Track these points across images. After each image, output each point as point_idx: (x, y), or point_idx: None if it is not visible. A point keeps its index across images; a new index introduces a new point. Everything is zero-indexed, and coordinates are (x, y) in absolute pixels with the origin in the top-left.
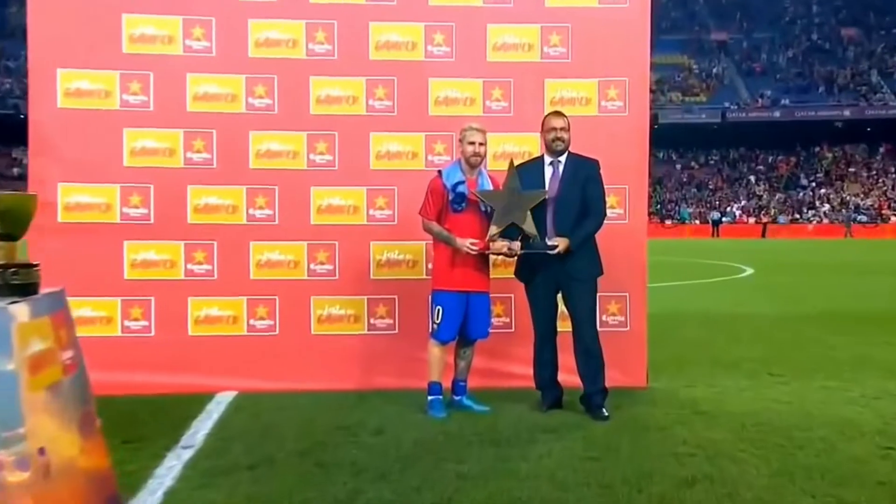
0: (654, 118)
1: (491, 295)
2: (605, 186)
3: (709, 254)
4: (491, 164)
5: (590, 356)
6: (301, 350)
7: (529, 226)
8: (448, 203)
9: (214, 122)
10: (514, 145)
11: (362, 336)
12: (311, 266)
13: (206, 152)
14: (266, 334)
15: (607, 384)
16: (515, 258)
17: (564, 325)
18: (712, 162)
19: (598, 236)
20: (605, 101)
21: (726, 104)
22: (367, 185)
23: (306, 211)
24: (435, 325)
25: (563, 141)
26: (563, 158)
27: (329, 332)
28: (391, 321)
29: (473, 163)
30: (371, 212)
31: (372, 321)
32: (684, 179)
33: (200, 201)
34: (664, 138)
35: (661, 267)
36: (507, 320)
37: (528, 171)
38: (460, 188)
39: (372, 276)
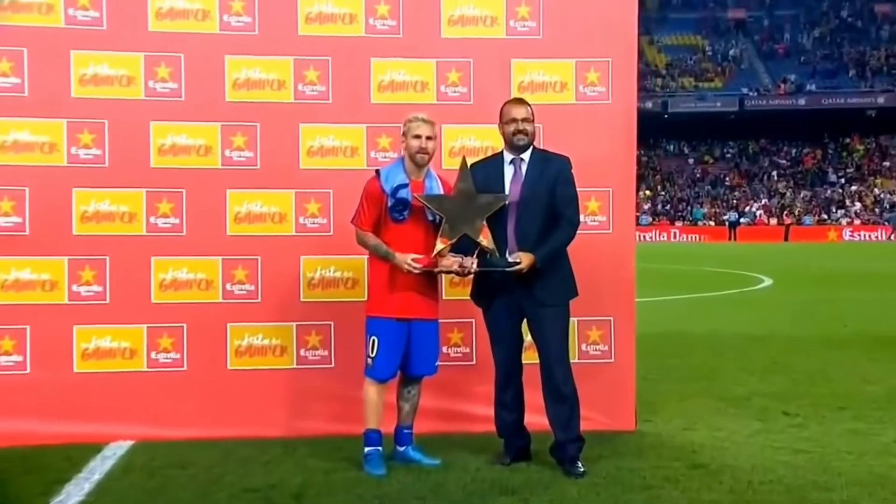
0: (663, 106)
1: (445, 321)
2: (585, 189)
3: (722, 261)
4: (446, 162)
5: (561, 399)
6: (214, 389)
7: (486, 238)
8: (387, 210)
9: (106, 110)
10: (474, 139)
11: (290, 371)
12: (227, 286)
13: (96, 147)
14: (171, 370)
15: (586, 428)
16: (470, 277)
17: (533, 357)
18: (729, 155)
19: (574, 249)
20: (584, 87)
21: (744, 90)
22: (295, 188)
23: (221, 219)
24: (370, 360)
25: (527, 134)
26: (526, 155)
27: (249, 367)
28: (325, 353)
29: (419, 161)
30: (301, 220)
31: (302, 353)
32: (697, 175)
33: (89, 207)
34: (674, 129)
35: (665, 277)
36: (467, 350)
37: (483, 171)
38: (402, 192)
39: (302, 299)
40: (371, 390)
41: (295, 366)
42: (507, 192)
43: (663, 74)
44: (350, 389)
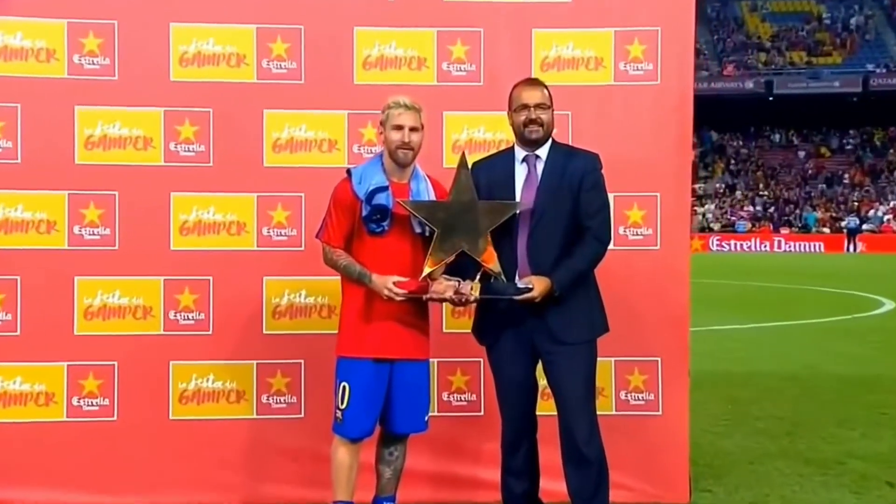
0: (767, 87)
1: (446, 360)
2: (625, 194)
3: (834, 277)
4: (448, 159)
5: (583, 463)
6: (153, 444)
7: (489, 258)
8: (361, 220)
9: (18, 93)
10: (484, 130)
11: (249, 422)
12: (171, 314)
13: (6, 138)
14: (98, 420)
15: (624, 500)
16: (472, 307)
17: (551, 407)
18: (849, 147)
19: (607, 270)
20: (626, 64)
21: (870, 67)
22: (258, 191)
23: (163, 229)
24: (339, 413)
25: (542, 125)
26: (542, 152)
27: (197, 417)
28: (293, 399)
29: (401, 159)
30: (265, 231)
31: (264, 399)
32: (809, 172)
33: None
34: (781, 115)
35: (753, 298)
36: (473, 398)
37: (488, 172)
38: (380, 197)
39: (265, 331)
40: (341, 452)
41: (255, 415)
42: (518, 198)
43: (767, 48)
44: (323, 445)
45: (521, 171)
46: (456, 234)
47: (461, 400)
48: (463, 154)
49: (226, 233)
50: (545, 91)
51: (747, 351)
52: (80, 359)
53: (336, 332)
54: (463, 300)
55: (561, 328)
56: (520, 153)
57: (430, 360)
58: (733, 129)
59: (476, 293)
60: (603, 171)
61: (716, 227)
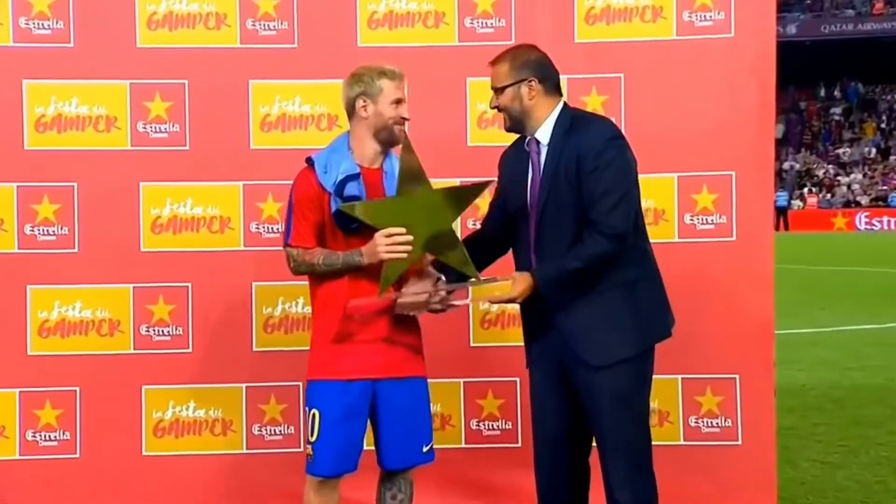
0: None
1: (474, 380)
2: (690, 174)
3: None
4: (474, 136)
5: None
6: (123, 485)
7: (457, 256)
8: (332, 217)
9: None
10: (300, 102)
11: (237, 458)
12: (143, 329)
13: None
14: (56, 457)
15: None
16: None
17: None
18: None
19: (670, 269)
20: (691, 13)
21: None
22: (244, 179)
23: (132, 227)
24: (308, 448)
25: (502, 109)
26: (542, 133)
27: (175, 452)
28: (291, 430)
29: (398, 137)
30: (253, 227)
31: (256, 430)
32: None
33: None
34: None
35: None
36: (508, 426)
37: (513, 162)
38: (352, 188)
39: (255, 347)
40: (311, 497)
41: (244, 450)
42: (528, 187)
43: None
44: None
45: (531, 159)
46: (417, 234)
47: (493, 428)
48: (404, 134)
49: (206, 230)
50: (501, 67)
51: (886, 359)
52: (35, 384)
53: None
54: (443, 307)
55: (585, 345)
56: (527, 138)
57: (457, 380)
58: (886, 79)
59: (448, 297)
60: (617, 141)
61: (864, 201)
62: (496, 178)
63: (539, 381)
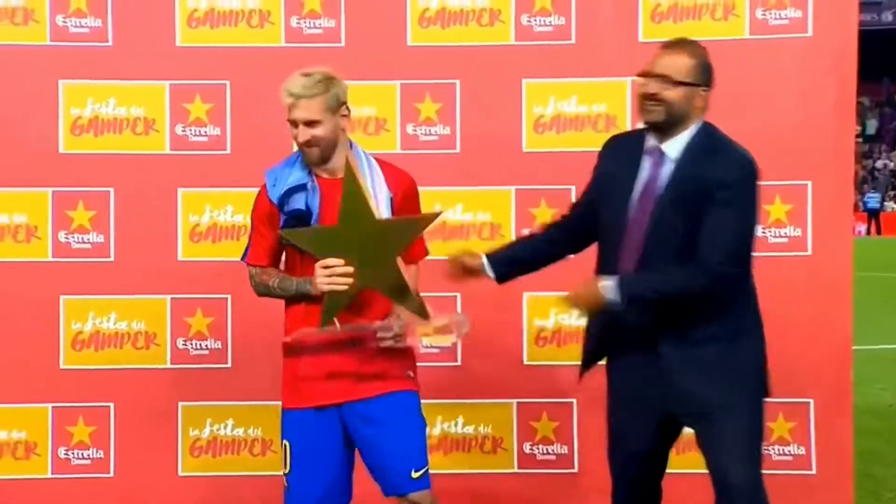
0: None
1: (527, 401)
2: (765, 184)
3: None
4: (530, 142)
5: None
6: None
7: (399, 293)
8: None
9: None
10: (575, 103)
11: (278, 479)
12: (179, 343)
13: None
14: (89, 476)
15: None
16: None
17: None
18: None
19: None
20: (765, 11)
21: None
22: None
23: (170, 235)
24: (284, 480)
25: (661, 101)
26: (672, 147)
27: (214, 473)
28: None
29: (309, 159)
30: None
31: None
32: None
33: None
34: None
35: None
36: (564, 451)
37: (616, 157)
38: (296, 200)
39: None
40: None
41: (289, 469)
42: (630, 203)
43: None
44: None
45: (645, 166)
46: (357, 266)
47: (548, 453)
48: (346, 159)
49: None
50: (686, 60)
51: None
52: (68, 399)
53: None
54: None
55: (697, 383)
56: (648, 139)
57: (510, 400)
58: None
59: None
60: (754, 177)
61: None
62: (441, 212)
63: (624, 398)
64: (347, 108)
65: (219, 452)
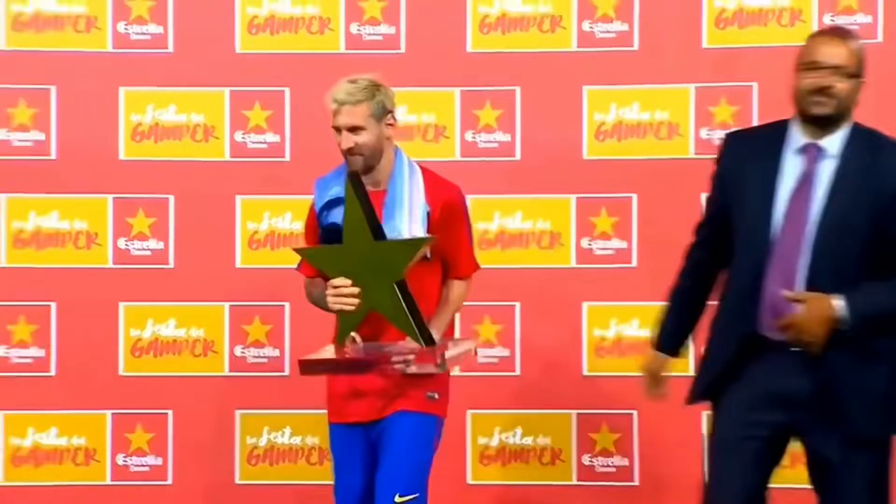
0: None
1: (579, 413)
2: None
3: None
4: (591, 149)
5: None
6: None
7: (400, 318)
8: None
9: (49, 69)
10: (637, 109)
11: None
12: (237, 350)
13: (37, 129)
14: (147, 484)
15: None
16: None
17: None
18: None
19: None
20: (833, 16)
21: None
22: None
23: (229, 242)
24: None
25: (834, 97)
26: (832, 142)
27: (270, 481)
28: None
29: (353, 166)
30: None
31: None
32: None
33: (26, 224)
34: None
35: None
36: (625, 463)
37: (750, 153)
38: (334, 214)
39: None
40: None
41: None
42: (775, 205)
43: None
44: None
45: (792, 166)
46: (363, 287)
47: (608, 465)
48: (354, 174)
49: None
50: (852, 48)
51: None
52: (127, 406)
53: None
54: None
55: (863, 411)
56: (796, 137)
57: (569, 411)
58: None
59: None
60: None
61: None
62: (434, 237)
63: (737, 432)
64: (393, 116)
65: (276, 461)
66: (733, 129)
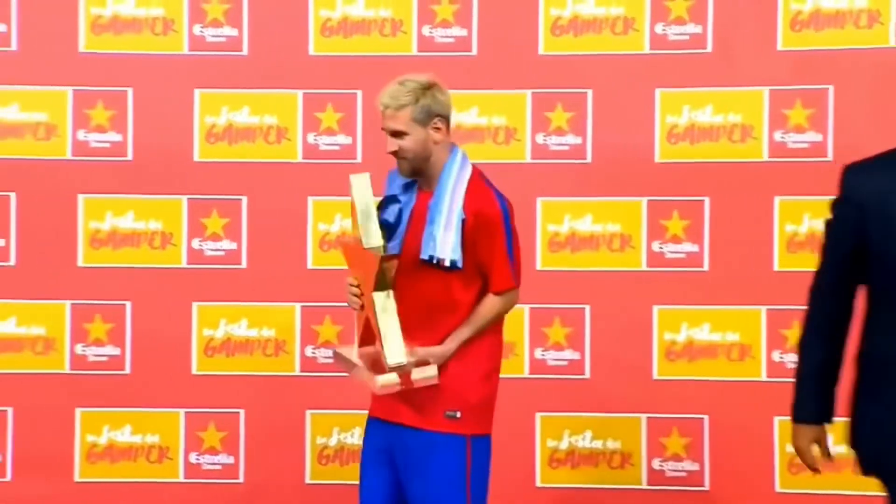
0: None
1: (648, 417)
2: None
3: None
4: (663, 151)
5: None
6: None
7: (374, 318)
8: None
9: (121, 73)
10: (710, 112)
11: None
12: (308, 350)
13: (115, 130)
14: (219, 482)
15: None
16: None
17: None
18: None
19: None
20: None
21: None
22: None
23: (300, 243)
24: None
25: None
26: None
27: (342, 481)
28: None
29: (399, 168)
30: None
31: None
32: None
33: (102, 224)
34: None
35: None
36: (695, 468)
37: (881, 188)
38: (386, 212)
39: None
40: None
41: None
42: None
43: None
44: None
45: None
46: (362, 289)
47: (678, 469)
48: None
49: None
50: None
51: None
52: (200, 405)
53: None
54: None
55: None
56: None
57: (638, 415)
58: None
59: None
60: None
61: None
62: (397, 256)
63: None
64: (442, 120)
65: (346, 461)
66: (851, 163)
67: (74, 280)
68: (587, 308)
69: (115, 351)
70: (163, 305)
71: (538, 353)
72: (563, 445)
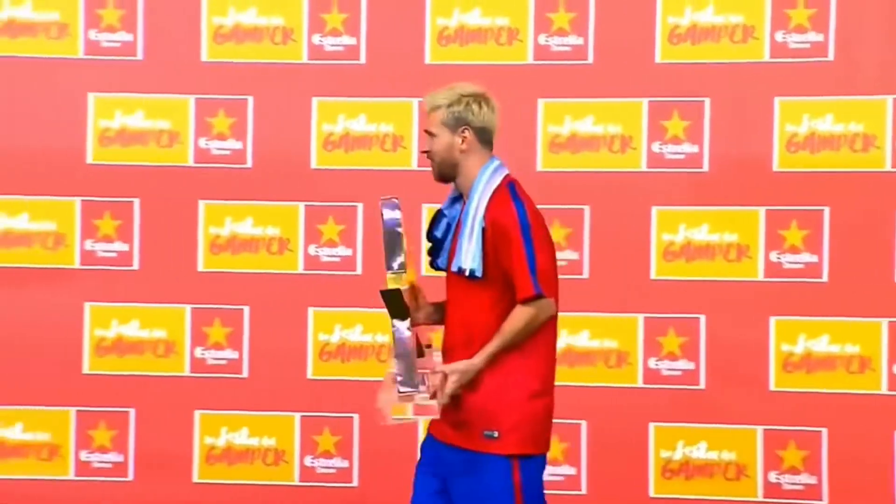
0: None
1: (765, 429)
2: None
3: None
4: (783, 160)
5: None
6: None
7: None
8: None
9: (241, 81)
10: (830, 121)
11: None
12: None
13: (235, 137)
14: (334, 486)
15: None
16: None
17: None
18: None
19: None
20: None
21: None
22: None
23: (416, 250)
24: None
25: None
26: None
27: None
28: (573, 471)
29: (432, 171)
30: None
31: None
32: None
33: (222, 230)
34: None
35: None
36: (814, 481)
37: None
38: (437, 226)
39: None
40: None
41: None
42: None
43: None
44: None
45: None
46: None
47: (795, 483)
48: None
49: None
50: None
51: None
52: (316, 409)
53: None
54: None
55: None
56: None
57: (754, 427)
58: None
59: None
60: None
61: None
62: (397, 289)
63: None
64: (469, 129)
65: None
66: None
67: (195, 284)
68: (702, 318)
69: (234, 354)
70: (280, 310)
71: (652, 363)
72: (678, 456)
